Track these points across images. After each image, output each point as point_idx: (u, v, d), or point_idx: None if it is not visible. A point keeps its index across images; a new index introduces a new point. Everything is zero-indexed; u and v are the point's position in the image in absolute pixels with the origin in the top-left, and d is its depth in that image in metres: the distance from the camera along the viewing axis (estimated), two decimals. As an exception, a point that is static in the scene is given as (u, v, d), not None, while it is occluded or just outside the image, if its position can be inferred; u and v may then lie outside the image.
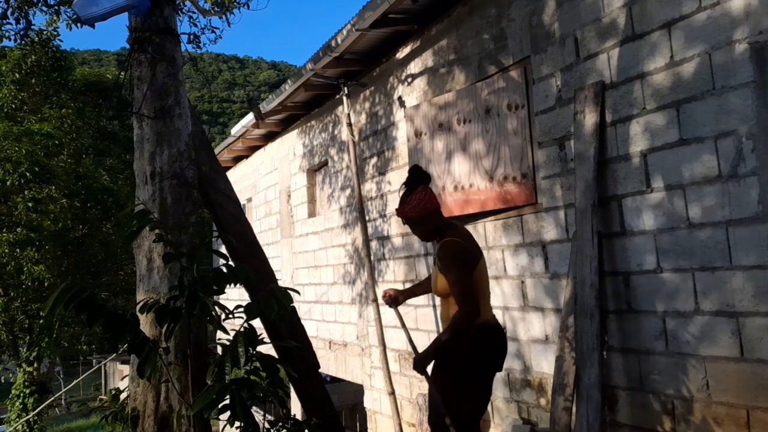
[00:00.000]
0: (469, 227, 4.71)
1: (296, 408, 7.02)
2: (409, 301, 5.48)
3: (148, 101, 2.87)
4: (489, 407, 4.52)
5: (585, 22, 3.66)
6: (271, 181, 9.49)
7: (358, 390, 7.17)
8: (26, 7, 6.27)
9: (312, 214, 8.04)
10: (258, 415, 9.00)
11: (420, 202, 2.84)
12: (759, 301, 2.78)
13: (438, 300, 3.32)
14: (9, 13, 6.18)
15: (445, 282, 2.83)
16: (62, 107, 13.37)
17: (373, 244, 6.09)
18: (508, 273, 4.31)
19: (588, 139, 3.54)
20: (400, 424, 5.41)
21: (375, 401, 6.17)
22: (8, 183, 10.81)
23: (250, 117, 8.22)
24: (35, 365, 12.73)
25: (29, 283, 11.11)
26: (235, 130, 9.33)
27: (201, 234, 2.90)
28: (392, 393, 5.48)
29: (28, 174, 10.78)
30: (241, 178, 10.99)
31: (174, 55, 2.98)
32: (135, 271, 2.84)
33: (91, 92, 14.65)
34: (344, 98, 6.04)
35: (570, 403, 3.51)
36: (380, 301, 5.76)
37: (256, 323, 2.25)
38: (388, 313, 5.76)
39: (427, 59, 5.25)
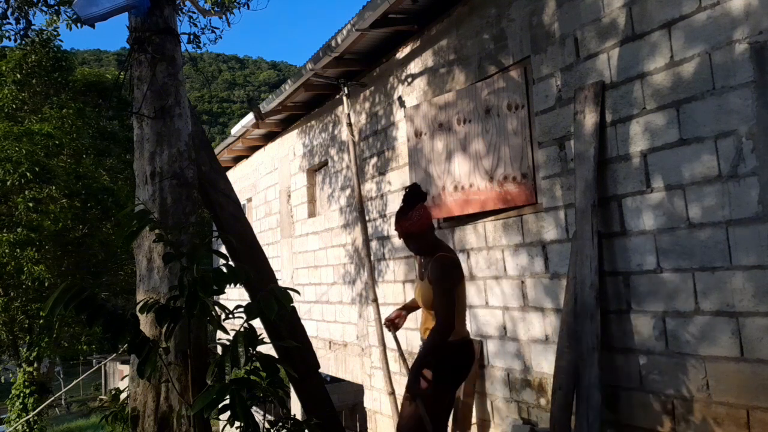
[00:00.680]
0: (469, 227, 4.72)
1: (296, 408, 7.02)
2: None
3: (148, 101, 2.87)
4: (489, 407, 4.52)
5: (585, 22, 3.66)
6: (271, 181, 9.49)
7: (358, 390, 7.17)
8: (26, 7, 6.27)
9: (312, 214, 8.04)
10: (258, 415, 9.00)
11: (419, 219, 3.05)
12: (759, 301, 2.77)
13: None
14: (9, 13, 6.19)
15: (431, 294, 3.06)
16: (62, 107, 13.38)
17: (373, 244, 6.09)
18: (508, 273, 4.31)
19: (588, 139, 3.54)
20: (400, 424, 5.41)
21: (375, 401, 6.17)
22: (8, 183, 10.82)
23: (250, 117, 8.22)
24: (35, 365, 12.73)
25: (29, 283, 11.11)
26: (235, 130, 9.33)
27: (201, 234, 2.90)
28: (392, 393, 5.48)
29: (28, 174, 10.79)
30: (241, 178, 10.99)
31: (174, 55, 2.98)
32: (135, 271, 2.84)
33: (91, 92, 14.64)
34: (344, 98, 6.04)
35: (570, 403, 3.51)
36: (380, 301, 5.78)
37: (256, 323, 2.25)
38: (387, 313, 5.76)
39: (427, 59, 5.25)
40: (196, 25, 11.55)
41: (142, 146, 2.88)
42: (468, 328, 3.43)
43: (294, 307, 2.73)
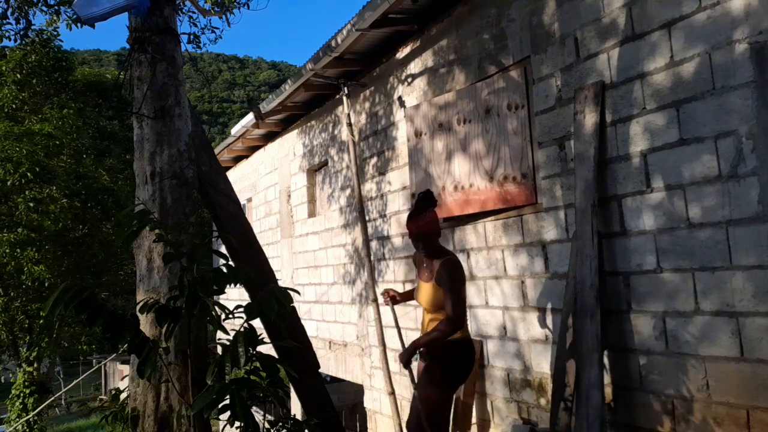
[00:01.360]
0: (469, 227, 4.72)
1: (296, 408, 7.02)
2: (409, 302, 5.49)
3: (148, 101, 2.87)
4: (489, 407, 4.52)
5: (585, 22, 3.66)
6: (271, 181, 9.49)
7: (358, 390, 7.17)
8: (26, 7, 6.27)
9: (312, 214, 8.04)
10: (258, 415, 9.00)
11: (431, 221, 3.31)
12: (759, 301, 2.77)
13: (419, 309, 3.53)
14: (9, 13, 6.18)
15: (440, 296, 3.23)
16: (63, 107, 13.37)
17: (373, 244, 6.09)
18: (508, 273, 4.31)
19: (588, 139, 3.54)
20: (400, 424, 5.41)
21: (375, 401, 6.17)
22: (9, 183, 10.82)
23: (250, 117, 8.22)
24: (35, 365, 12.73)
25: (29, 283, 11.11)
26: (235, 130, 9.33)
27: (201, 234, 2.91)
28: (392, 393, 5.48)
29: (28, 174, 10.79)
30: (241, 178, 10.99)
31: (174, 55, 2.98)
32: (135, 271, 2.84)
33: (91, 92, 14.63)
34: (344, 98, 6.04)
35: (570, 403, 3.51)
36: (380, 300, 5.77)
37: (256, 323, 2.25)
38: (388, 313, 5.76)
39: (427, 59, 5.25)
40: (196, 25, 11.54)
41: (142, 146, 2.88)
42: (468, 328, 3.54)
43: (294, 307, 2.73)
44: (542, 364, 4.00)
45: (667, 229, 3.18)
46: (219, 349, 2.14)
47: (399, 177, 5.65)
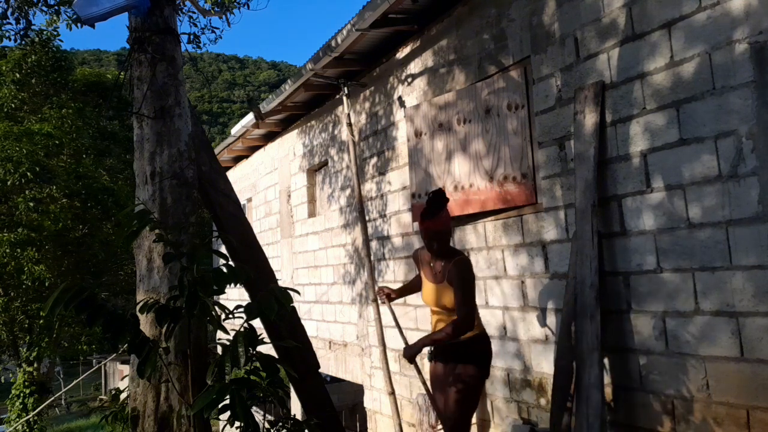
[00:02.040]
0: (469, 227, 4.72)
1: (296, 408, 7.02)
2: (409, 302, 5.49)
3: (148, 101, 2.87)
4: (489, 407, 4.52)
5: (585, 22, 3.66)
6: (271, 181, 9.49)
7: (358, 390, 7.17)
8: (26, 7, 6.27)
9: (312, 214, 8.04)
10: (258, 415, 9.00)
11: (448, 220, 3.30)
12: (759, 301, 2.77)
13: (429, 308, 3.52)
14: (9, 13, 6.18)
15: (451, 297, 3.21)
16: (62, 107, 13.36)
17: (373, 244, 6.09)
18: (508, 273, 4.31)
19: (588, 139, 3.54)
20: (400, 424, 5.41)
21: (375, 401, 6.17)
22: (9, 183, 10.82)
23: (250, 117, 8.22)
24: (35, 365, 12.73)
25: (29, 283, 11.11)
26: (235, 130, 9.33)
27: (201, 234, 2.91)
28: (392, 393, 5.48)
29: (28, 174, 10.79)
30: (241, 178, 10.99)
31: (174, 55, 2.97)
32: (135, 271, 2.84)
33: (91, 92, 14.63)
34: (344, 98, 6.04)
35: (570, 403, 3.51)
36: (380, 301, 5.77)
37: (256, 323, 2.25)
38: (388, 313, 5.76)
39: (427, 59, 5.25)
40: (196, 25, 11.54)
41: (142, 146, 2.88)
42: (482, 323, 3.57)
43: (294, 307, 2.73)
44: (542, 364, 4.00)
45: (667, 229, 3.18)
46: (219, 349, 2.14)
47: (399, 177, 5.65)
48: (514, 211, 4.26)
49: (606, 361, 3.49)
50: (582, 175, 3.55)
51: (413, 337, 5.22)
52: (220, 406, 1.92)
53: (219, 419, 2.09)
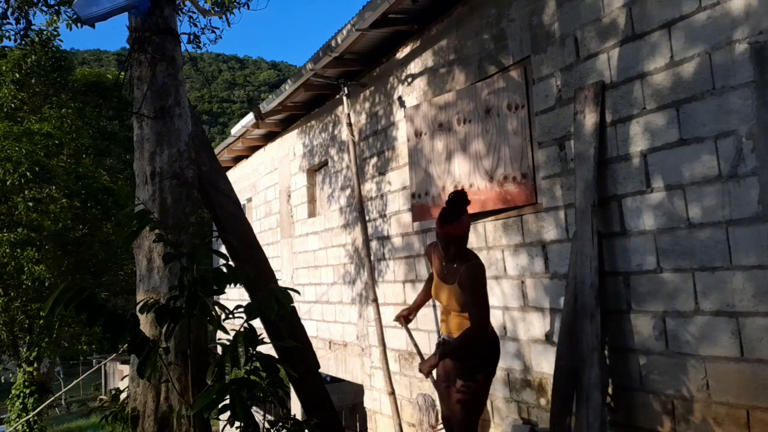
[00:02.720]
0: (469, 227, 4.72)
1: (296, 408, 7.02)
2: (409, 302, 5.49)
3: (148, 101, 2.87)
4: (489, 407, 4.52)
5: (585, 22, 3.66)
6: (271, 181, 9.49)
7: (358, 390, 7.17)
8: (26, 7, 6.26)
9: (312, 214, 8.04)
10: (258, 415, 8.99)
11: (468, 224, 3.19)
12: (759, 301, 2.78)
13: (438, 306, 3.49)
14: (9, 13, 6.18)
15: (463, 299, 3.18)
16: (62, 107, 13.36)
17: (373, 244, 6.09)
18: (508, 273, 4.31)
19: (588, 139, 3.54)
20: (400, 424, 5.41)
21: (375, 401, 6.17)
22: (8, 183, 10.81)
23: (250, 117, 8.22)
24: (35, 365, 12.73)
25: (29, 283, 11.10)
26: (235, 130, 9.33)
27: (201, 234, 2.90)
28: (392, 393, 5.48)
29: (28, 174, 10.78)
30: (241, 178, 10.99)
31: (174, 55, 2.97)
32: (135, 271, 2.84)
33: (91, 92, 14.62)
34: (344, 98, 6.04)
35: (570, 403, 3.51)
36: (380, 301, 5.78)
37: (256, 323, 2.25)
38: (387, 313, 5.76)
39: (427, 59, 5.25)
40: (196, 25, 11.52)
41: (142, 146, 2.88)
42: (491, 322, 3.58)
43: (294, 307, 2.73)
44: (542, 364, 4.00)
45: (667, 229, 3.18)
46: (219, 349, 2.13)
47: (399, 177, 5.65)
48: (514, 211, 4.26)
49: (606, 361, 3.49)
50: (582, 175, 3.55)
51: (413, 337, 5.22)
52: (220, 406, 1.92)
53: (219, 419, 2.09)
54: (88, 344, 13.61)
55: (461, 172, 4.68)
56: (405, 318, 3.69)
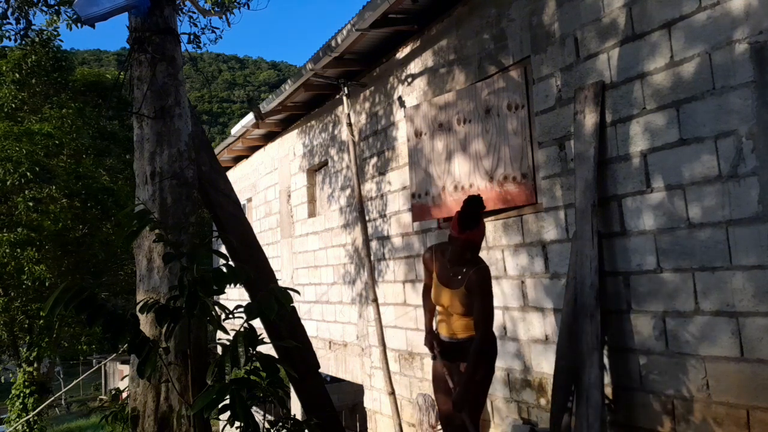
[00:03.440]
0: (469, 227, 4.71)
1: (296, 408, 7.02)
2: (409, 302, 5.50)
3: (148, 101, 2.87)
4: (489, 407, 4.52)
5: (585, 22, 3.66)
6: (271, 181, 9.49)
7: (358, 390, 7.17)
8: (26, 7, 6.27)
9: (312, 214, 8.04)
10: (258, 415, 8.99)
11: (484, 229, 3.19)
12: (759, 301, 2.77)
13: (438, 308, 3.46)
14: (9, 13, 6.18)
15: (470, 303, 3.20)
16: (62, 107, 13.36)
17: (373, 244, 6.09)
18: (508, 273, 4.31)
19: (588, 139, 3.54)
20: (400, 424, 5.41)
21: (375, 401, 6.17)
22: (8, 183, 10.81)
23: (250, 117, 8.22)
24: (35, 365, 12.73)
25: (29, 283, 11.10)
26: (235, 130, 9.33)
27: (201, 234, 2.90)
28: (392, 393, 5.48)
29: (28, 174, 10.79)
30: (241, 178, 10.99)
31: (174, 55, 2.97)
32: (135, 271, 2.84)
33: (91, 92, 14.62)
34: (344, 98, 6.04)
35: (570, 403, 3.51)
36: (380, 301, 5.78)
37: (256, 323, 2.25)
38: (387, 313, 5.77)
39: (427, 59, 5.25)
40: (196, 25, 11.51)
41: (142, 146, 2.88)
42: None
43: (294, 307, 2.72)
44: (542, 364, 4.00)
45: (667, 229, 3.18)
46: (219, 349, 2.14)
47: (399, 177, 5.65)
48: (514, 211, 4.26)
49: (606, 361, 3.49)
50: (582, 175, 3.55)
51: (413, 336, 5.23)
52: (220, 406, 1.92)
53: (219, 419, 2.09)
54: (88, 344, 13.62)
55: (461, 172, 4.68)
56: (435, 347, 3.38)
